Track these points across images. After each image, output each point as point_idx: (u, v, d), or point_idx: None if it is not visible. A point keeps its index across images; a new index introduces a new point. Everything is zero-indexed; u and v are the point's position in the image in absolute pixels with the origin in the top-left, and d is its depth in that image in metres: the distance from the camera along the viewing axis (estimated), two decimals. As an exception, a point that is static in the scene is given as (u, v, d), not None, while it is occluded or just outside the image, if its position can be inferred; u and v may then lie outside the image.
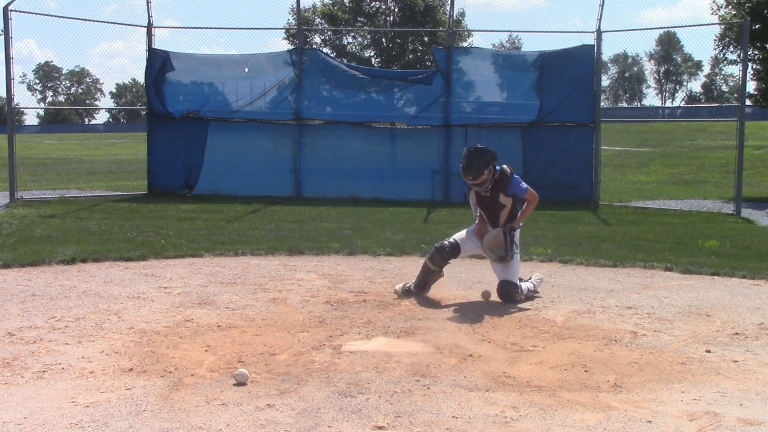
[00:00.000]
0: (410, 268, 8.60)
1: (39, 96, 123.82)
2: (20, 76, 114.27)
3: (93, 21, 18.87)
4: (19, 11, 16.07)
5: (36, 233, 11.15)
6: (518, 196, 7.28)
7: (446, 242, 7.32)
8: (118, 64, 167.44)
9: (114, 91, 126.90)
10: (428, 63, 41.40)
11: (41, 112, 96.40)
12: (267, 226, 12.60)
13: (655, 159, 30.89)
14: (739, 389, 4.67)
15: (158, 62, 18.23)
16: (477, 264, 9.27)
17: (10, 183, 16.18)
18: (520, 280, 7.34)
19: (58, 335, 5.74)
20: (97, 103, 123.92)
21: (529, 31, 68.01)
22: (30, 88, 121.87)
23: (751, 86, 21.21)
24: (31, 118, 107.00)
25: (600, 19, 17.02)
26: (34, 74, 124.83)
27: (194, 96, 18.82)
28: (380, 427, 3.98)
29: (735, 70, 74.88)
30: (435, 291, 7.53)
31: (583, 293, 7.59)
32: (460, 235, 7.45)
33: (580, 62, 17.36)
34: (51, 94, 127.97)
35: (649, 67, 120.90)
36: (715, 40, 21.39)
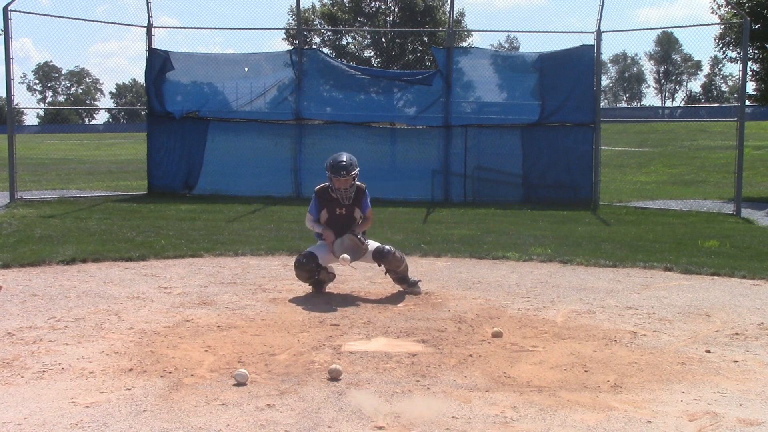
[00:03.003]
0: (410, 268, 8.59)
1: (39, 96, 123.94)
2: (20, 77, 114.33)
3: (92, 21, 18.92)
4: (19, 11, 16.08)
5: (36, 233, 11.15)
6: (365, 212, 7.60)
7: (301, 258, 7.32)
8: (115, 64, 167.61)
9: (114, 91, 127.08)
10: (428, 63, 41.42)
11: (41, 113, 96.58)
12: (267, 226, 12.60)
13: (655, 159, 30.90)
14: (739, 389, 4.67)
15: (158, 62, 18.25)
16: (477, 264, 9.28)
17: (10, 183, 16.18)
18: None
19: (58, 335, 5.74)
20: (96, 103, 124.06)
21: (530, 31, 68.15)
22: (30, 88, 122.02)
23: (750, 86, 21.24)
24: (31, 119, 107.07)
25: (600, 19, 17.03)
26: (34, 74, 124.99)
27: (194, 96, 18.83)
28: (380, 427, 3.98)
29: (734, 69, 74.93)
30: (435, 291, 7.54)
31: (583, 293, 7.59)
32: (313, 247, 7.54)
33: (580, 62, 17.37)
34: (51, 94, 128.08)
35: (648, 67, 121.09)
36: (715, 39, 21.43)
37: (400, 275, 7.52)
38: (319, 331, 5.97)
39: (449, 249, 10.20)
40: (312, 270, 7.28)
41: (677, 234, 12.13)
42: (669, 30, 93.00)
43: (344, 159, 7.38)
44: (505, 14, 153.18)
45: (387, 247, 7.44)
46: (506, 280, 8.24)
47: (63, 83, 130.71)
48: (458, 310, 6.78)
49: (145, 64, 18.35)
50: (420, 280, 7.68)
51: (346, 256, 7.20)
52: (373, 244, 7.51)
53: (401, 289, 7.53)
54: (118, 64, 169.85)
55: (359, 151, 17.69)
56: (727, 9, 20.43)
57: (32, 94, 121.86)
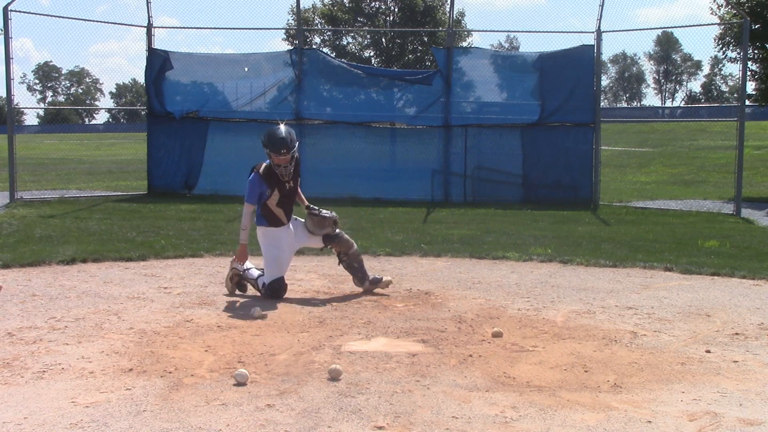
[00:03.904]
0: (410, 268, 8.61)
1: (39, 96, 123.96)
2: (20, 77, 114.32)
3: (92, 21, 18.85)
4: (19, 11, 16.08)
5: (36, 233, 11.15)
6: (299, 175, 7.53)
7: (270, 292, 7.24)
8: (115, 64, 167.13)
9: (114, 91, 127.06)
10: (428, 63, 41.43)
11: (41, 112, 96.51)
12: (267, 226, 12.58)
13: (655, 159, 30.92)
14: (739, 389, 4.67)
15: (158, 62, 18.25)
16: (477, 264, 9.28)
17: (10, 183, 16.17)
18: None
19: (58, 335, 5.74)
20: (96, 103, 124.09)
21: (529, 31, 67.78)
22: (30, 88, 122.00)
23: (750, 86, 21.23)
24: (31, 118, 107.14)
25: (600, 19, 17.03)
26: (34, 74, 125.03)
27: (194, 96, 18.84)
28: (380, 427, 3.98)
29: (734, 69, 74.95)
30: (435, 291, 7.54)
31: (583, 293, 7.59)
32: (270, 267, 7.40)
33: (580, 62, 17.36)
34: (51, 94, 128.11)
35: (648, 67, 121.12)
36: (715, 39, 21.42)
37: (353, 261, 7.48)
38: (319, 331, 5.97)
39: (449, 249, 10.20)
40: (284, 287, 7.27)
41: (677, 234, 12.13)
42: (669, 30, 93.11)
43: (283, 134, 7.11)
44: (505, 14, 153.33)
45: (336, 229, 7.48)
46: (506, 280, 8.24)
47: (63, 83, 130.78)
48: (458, 310, 6.78)
49: (145, 64, 18.36)
50: (382, 277, 7.62)
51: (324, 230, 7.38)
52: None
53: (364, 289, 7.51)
54: (118, 64, 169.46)
55: (359, 151, 17.88)
56: (726, 9, 20.42)
57: (32, 94, 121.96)
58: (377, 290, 7.51)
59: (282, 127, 7.21)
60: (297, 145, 7.22)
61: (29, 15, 17.42)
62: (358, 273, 7.54)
